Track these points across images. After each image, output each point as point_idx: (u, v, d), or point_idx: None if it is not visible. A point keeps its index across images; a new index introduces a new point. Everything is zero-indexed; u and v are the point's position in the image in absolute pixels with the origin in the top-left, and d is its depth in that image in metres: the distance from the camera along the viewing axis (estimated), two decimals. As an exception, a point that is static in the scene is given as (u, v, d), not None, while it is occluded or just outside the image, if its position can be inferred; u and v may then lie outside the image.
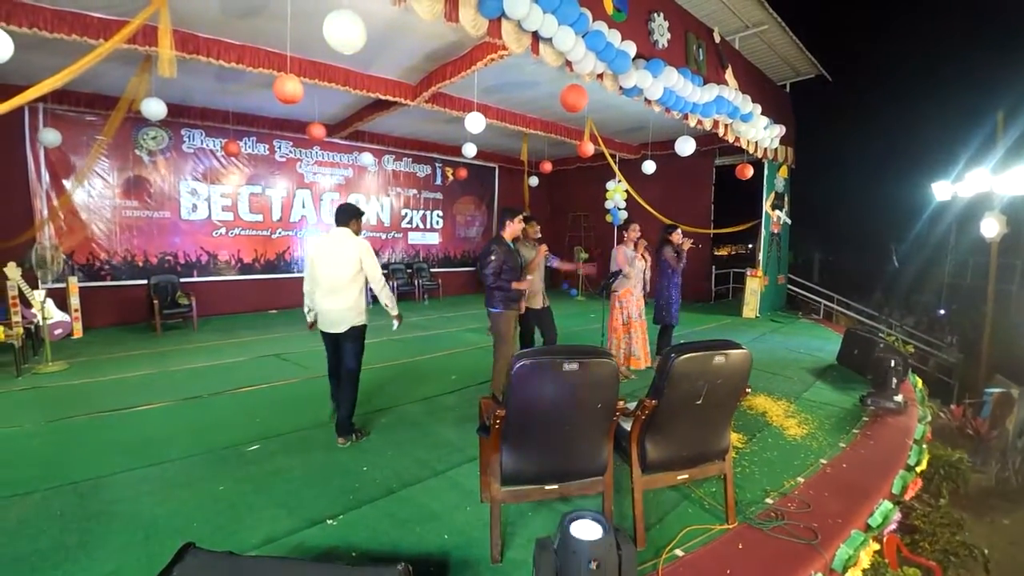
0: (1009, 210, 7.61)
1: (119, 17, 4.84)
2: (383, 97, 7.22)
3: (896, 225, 19.94)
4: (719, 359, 2.29)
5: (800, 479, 3.32)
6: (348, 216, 3.82)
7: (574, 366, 2.02)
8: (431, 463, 3.34)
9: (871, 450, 3.87)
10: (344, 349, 3.78)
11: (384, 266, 11.47)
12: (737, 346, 2.38)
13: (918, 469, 3.84)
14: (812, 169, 12.25)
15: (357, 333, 3.80)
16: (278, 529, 2.59)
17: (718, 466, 2.72)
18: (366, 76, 6.95)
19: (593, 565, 1.66)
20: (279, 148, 10.01)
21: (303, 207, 10.39)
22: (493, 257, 4.20)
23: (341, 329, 3.73)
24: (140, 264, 8.56)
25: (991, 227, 7.54)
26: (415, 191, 12.25)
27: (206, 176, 9.21)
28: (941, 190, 8.75)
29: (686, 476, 2.63)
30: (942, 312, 14.50)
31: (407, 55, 6.45)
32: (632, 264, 5.29)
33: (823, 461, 3.60)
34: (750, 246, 19.08)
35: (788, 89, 11.11)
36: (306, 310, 4.02)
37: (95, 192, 8.08)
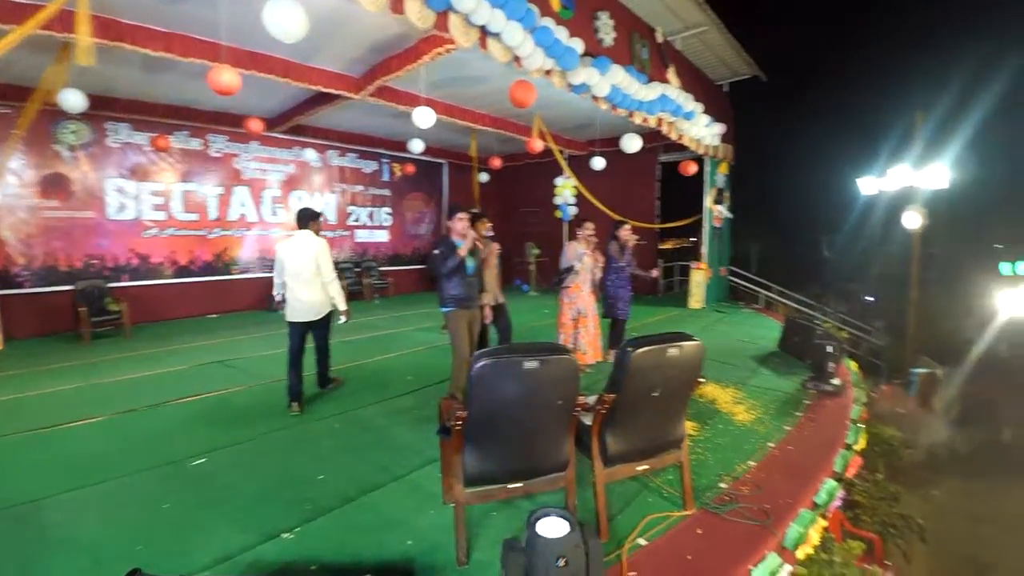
0: (929, 203, 8.24)
1: (34, 1, 4.43)
2: (325, 90, 6.98)
3: (828, 218, 21.25)
4: (673, 351, 2.34)
5: (751, 463, 3.46)
6: (307, 219, 4.47)
7: (535, 364, 2.01)
8: (390, 467, 3.25)
9: (813, 431, 4.08)
10: (317, 334, 4.62)
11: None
12: (690, 338, 2.44)
13: (857, 447, 4.08)
14: (750, 165, 12.81)
15: (327, 320, 4.61)
16: (230, 546, 2.45)
17: (675, 455, 2.78)
18: (307, 68, 6.69)
19: (561, 563, 1.65)
20: (214, 143, 9.50)
21: (242, 205, 9.91)
22: (437, 252, 4.21)
23: (316, 317, 4.47)
24: (63, 269, 7.91)
25: (913, 219, 8.13)
26: (361, 187, 11.94)
27: (134, 173, 8.62)
28: (866, 185, 9.34)
29: (646, 467, 2.68)
30: (871, 299, 15.54)
31: (350, 47, 6.25)
32: (580, 260, 5.35)
33: (771, 444, 3.77)
34: (693, 239, 19.80)
35: (726, 88, 11.56)
36: (275, 292, 4.56)
37: (9, 191, 7.38)
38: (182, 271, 9.21)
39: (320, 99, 8.02)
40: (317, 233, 4.45)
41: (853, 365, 6.37)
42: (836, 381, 5.02)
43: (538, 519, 1.72)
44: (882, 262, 16.60)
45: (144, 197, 8.74)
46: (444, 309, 4.30)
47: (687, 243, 21.12)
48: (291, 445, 3.64)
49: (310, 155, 9.84)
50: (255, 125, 7.27)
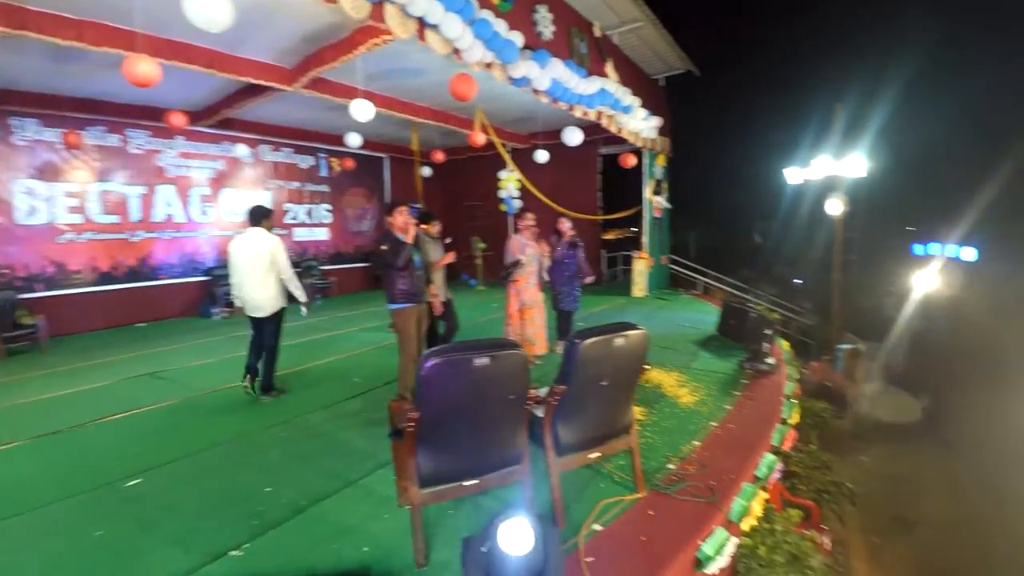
0: (849, 191, 8.84)
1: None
2: (255, 82, 6.65)
3: (760, 206, 22.41)
4: (619, 341, 2.40)
5: (696, 442, 3.61)
6: (259, 217, 4.59)
7: (485, 360, 2.00)
8: (342, 473, 3.16)
9: (752, 409, 4.31)
10: (265, 330, 4.61)
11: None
12: (634, 327, 2.51)
13: (791, 422, 4.34)
14: (686, 157, 13.30)
15: (276, 317, 4.64)
16: (174, 570, 2.30)
17: (625, 440, 2.86)
18: (235, 58, 6.34)
19: (522, 559, 1.66)
20: (133, 139, 8.85)
21: (168, 205, 9.30)
22: (384, 247, 4.09)
23: (263, 314, 4.55)
24: (-36, 281, 7.17)
25: (835, 206, 8.70)
26: (298, 184, 11.47)
27: (45, 173, 7.91)
28: (792, 175, 9.90)
29: (598, 454, 2.74)
30: (799, 281, 16.55)
31: (281, 36, 5.98)
32: (525, 252, 5.38)
33: (713, 424, 3.94)
34: (634, 229, 20.33)
35: (662, 83, 11.91)
36: (234, 298, 4.68)
37: None
38: (104, 278, 8.56)
39: (250, 91, 7.63)
40: (270, 230, 4.61)
41: (785, 344, 6.77)
42: (771, 360, 5.32)
43: (497, 520, 1.72)
44: (808, 247, 17.74)
45: (57, 199, 8.04)
46: (393, 306, 4.20)
47: (629, 233, 21.65)
48: (235, 458, 3.47)
49: (241, 150, 9.33)
50: (177, 119, 6.82)
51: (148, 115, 8.51)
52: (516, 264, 5.14)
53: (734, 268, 16.54)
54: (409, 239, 4.12)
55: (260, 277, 4.45)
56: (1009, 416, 8.26)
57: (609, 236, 18.03)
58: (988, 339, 7.73)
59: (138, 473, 3.29)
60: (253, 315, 4.58)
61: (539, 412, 2.59)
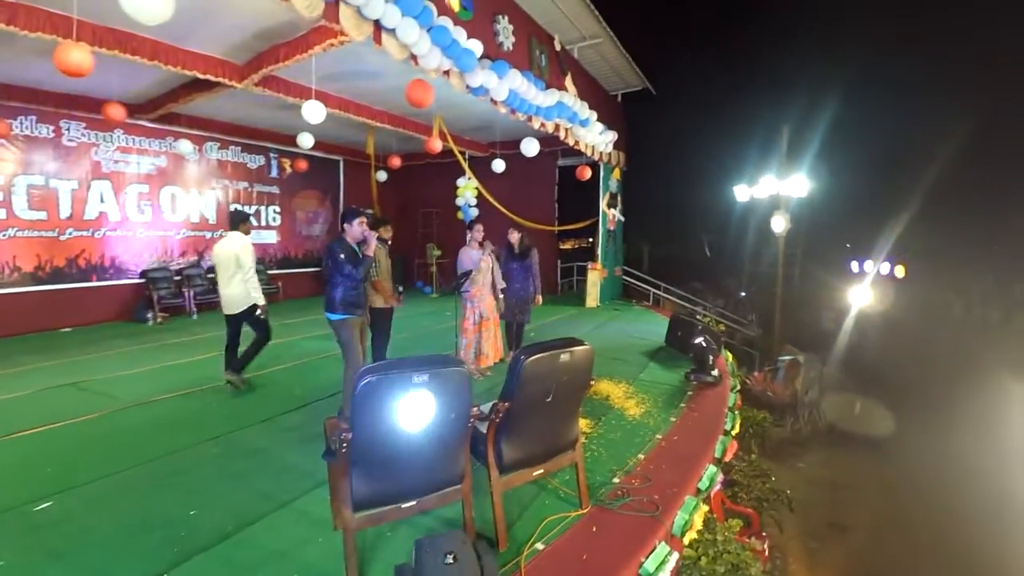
0: (792, 209, 9.25)
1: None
2: (202, 76, 6.35)
3: (709, 221, 23.23)
4: (564, 357, 2.38)
5: (641, 455, 3.64)
6: (236, 221, 5.04)
7: (424, 378, 1.94)
8: (274, 494, 2.99)
9: (696, 421, 4.40)
10: (233, 327, 4.99)
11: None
12: (580, 343, 2.50)
13: (733, 433, 4.46)
14: (641, 171, 13.65)
15: (244, 315, 4.89)
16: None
17: (570, 456, 2.84)
18: (181, 51, 6.04)
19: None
20: (68, 130, 8.29)
21: (101, 201, 8.74)
22: (343, 255, 3.93)
23: (231, 311, 4.89)
24: None
25: (779, 223, 9.08)
26: (246, 184, 11.01)
27: (-38, 163, 7.30)
28: (740, 192, 10.29)
29: (541, 471, 2.71)
30: (743, 294, 17.20)
31: (232, 31, 5.75)
32: (477, 265, 5.34)
33: (659, 436, 4.00)
34: (590, 240, 20.66)
35: (620, 99, 12.17)
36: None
37: None
38: (27, 279, 7.94)
39: (197, 85, 7.29)
40: (247, 234, 4.98)
41: (729, 356, 6.98)
42: (715, 372, 5.47)
43: (427, 545, 1.66)
44: (754, 261, 18.48)
45: (-24, 192, 7.43)
46: (334, 317, 4.04)
47: (585, 244, 21.99)
48: (159, 479, 3.23)
49: (185, 147, 8.87)
50: (115, 111, 6.42)
51: (85, 106, 8.02)
52: (467, 275, 5.08)
53: (686, 280, 17.05)
54: (369, 251, 4.00)
55: (228, 276, 4.80)
56: (934, 421, 8.80)
57: (566, 246, 18.27)
58: (915, 350, 8.23)
59: (49, 495, 3.01)
60: (225, 312, 4.95)
61: (483, 428, 2.54)
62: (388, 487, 2.13)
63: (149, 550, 2.48)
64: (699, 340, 5.92)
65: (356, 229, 4.05)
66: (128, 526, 2.69)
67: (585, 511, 2.87)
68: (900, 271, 8.35)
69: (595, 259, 11.27)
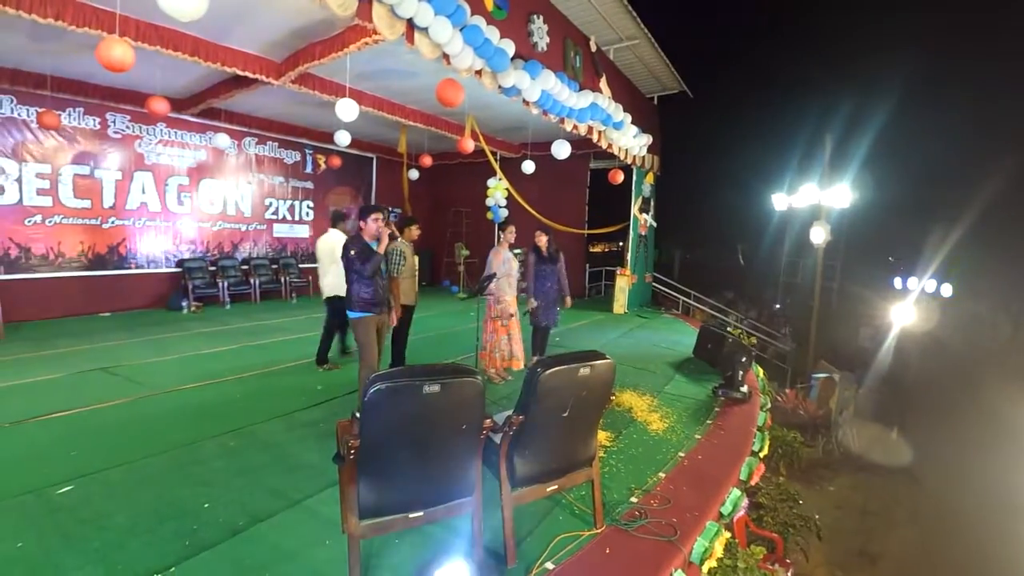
0: (833, 220, 8.88)
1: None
2: (242, 73, 6.47)
3: (744, 229, 22.60)
4: (584, 371, 2.28)
5: (662, 474, 3.50)
6: (335, 219, 5.78)
7: (435, 388, 1.87)
8: (286, 492, 2.98)
9: (722, 440, 4.22)
10: (335, 307, 5.41)
11: (244, 261, 10.40)
12: (602, 356, 2.39)
13: (762, 455, 4.26)
14: (675, 176, 13.34)
15: (337, 299, 5.27)
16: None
17: (586, 473, 2.74)
18: (221, 47, 6.16)
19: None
20: (113, 122, 8.58)
21: (143, 192, 9.02)
22: (354, 251, 3.92)
23: (329, 296, 5.47)
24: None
25: (818, 235, 8.73)
26: (282, 179, 11.21)
27: (16, 152, 7.60)
28: (779, 201, 9.94)
29: (555, 487, 2.61)
30: (778, 306, 16.66)
31: (270, 29, 5.83)
32: (507, 265, 5.27)
33: (681, 454, 3.84)
34: (620, 244, 20.39)
35: (655, 102, 11.93)
36: None
37: None
38: (70, 264, 8.25)
39: (236, 82, 7.45)
40: (344, 232, 5.46)
41: (760, 371, 6.72)
42: (744, 389, 5.25)
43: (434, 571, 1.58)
44: (788, 272, 17.89)
45: (28, 179, 7.73)
46: (352, 315, 4.03)
47: (615, 248, 21.74)
48: (176, 468, 3.27)
49: (223, 141, 9.07)
50: (159, 105, 6.59)
51: (130, 99, 8.26)
52: (491, 277, 5.01)
53: (718, 289, 16.63)
54: (381, 248, 3.98)
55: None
56: (973, 449, 8.31)
57: (596, 249, 18.06)
58: (959, 375, 7.77)
59: (72, 479, 3.08)
60: (324, 296, 5.53)
61: (497, 438, 2.46)
62: (396, 496, 2.07)
63: (160, 542, 2.49)
64: (729, 353, 5.72)
65: (372, 226, 4.00)
66: (143, 515, 2.72)
67: (599, 531, 2.76)
68: (948, 290, 7.88)
69: (624, 264, 11.06)
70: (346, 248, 3.98)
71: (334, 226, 5.66)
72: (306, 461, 3.41)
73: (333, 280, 5.33)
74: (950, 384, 7.82)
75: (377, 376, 1.84)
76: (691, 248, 22.99)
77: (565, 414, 2.33)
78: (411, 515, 2.14)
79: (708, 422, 4.58)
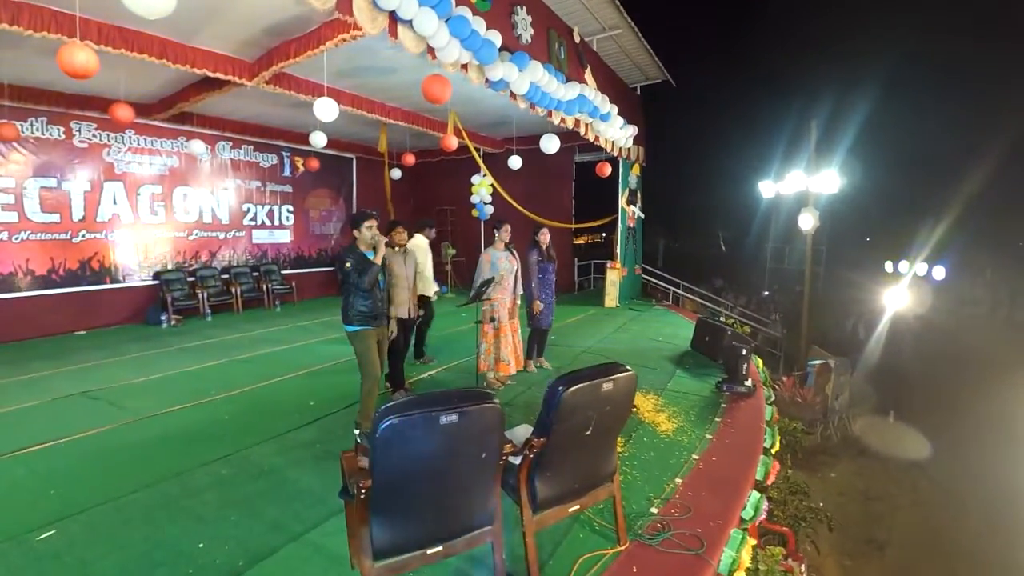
0: (821, 205, 8.86)
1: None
2: (212, 75, 6.16)
3: (729, 217, 22.69)
4: (607, 386, 2.13)
5: (678, 480, 3.38)
6: (420, 227, 6.05)
7: (453, 418, 1.70)
8: (287, 524, 2.78)
9: (733, 438, 4.11)
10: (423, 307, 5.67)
11: (224, 270, 10.05)
12: (623, 369, 2.24)
13: (773, 451, 4.17)
14: (659, 166, 13.25)
15: (423, 299, 5.60)
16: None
17: (607, 489, 2.59)
18: (190, 48, 5.85)
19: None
20: (79, 131, 8.18)
21: (114, 203, 8.62)
22: (350, 263, 3.75)
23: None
24: None
25: (807, 221, 8.69)
26: (259, 183, 10.84)
27: (-27, 167, 7.20)
28: (766, 188, 9.90)
29: (577, 507, 2.46)
30: (766, 293, 16.73)
31: (241, 27, 5.53)
32: (498, 268, 5.09)
33: (695, 457, 3.72)
34: (603, 235, 20.29)
35: (638, 92, 11.81)
36: None
37: None
38: (39, 282, 7.86)
39: (207, 84, 7.11)
40: (428, 238, 5.95)
41: (759, 362, 6.66)
42: (748, 382, 5.17)
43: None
44: (775, 258, 17.96)
45: (-11, 195, 7.34)
46: (350, 328, 3.86)
47: (598, 239, 21.67)
48: (166, 503, 3.04)
49: (197, 147, 8.72)
50: (123, 111, 6.25)
51: (96, 106, 7.85)
52: (489, 282, 4.82)
53: (704, 276, 16.63)
54: (378, 258, 3.78)
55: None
56: (970, 430, 8.39)
57: (578, 241, 17.93)
58: (953, 356, 7.80)
59: (53, 522, 2.84)
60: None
61: (516, 460, 2.30)
62: (412, 533, 1.90)
63: (151, 590, 2.29)
64: (729, 346, 5.62)
65: (367, 234, 3.84)
66: (132, 560, 2.50)
67: (623, 548, 2.62)
68: (939, 272, 7.90)
69: (614, 258, 10.95)
70: (340, 260, 3.79)
71: (419, 231, 5.92)
72: (305, 487, 3.20)
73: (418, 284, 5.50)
74: (945, 367, 7.85)
75: (388, 409, 1.66)
76: (675, 237, 23.00)
77: (588, 432, 2.17)
78: (429, 551, 1.97)
79: (716, 420, 4.47)
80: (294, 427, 4.14)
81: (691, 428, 4.26)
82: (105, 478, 3.34)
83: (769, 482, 3.76)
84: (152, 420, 4.36)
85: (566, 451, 2.19)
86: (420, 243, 5.91)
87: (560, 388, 2.01)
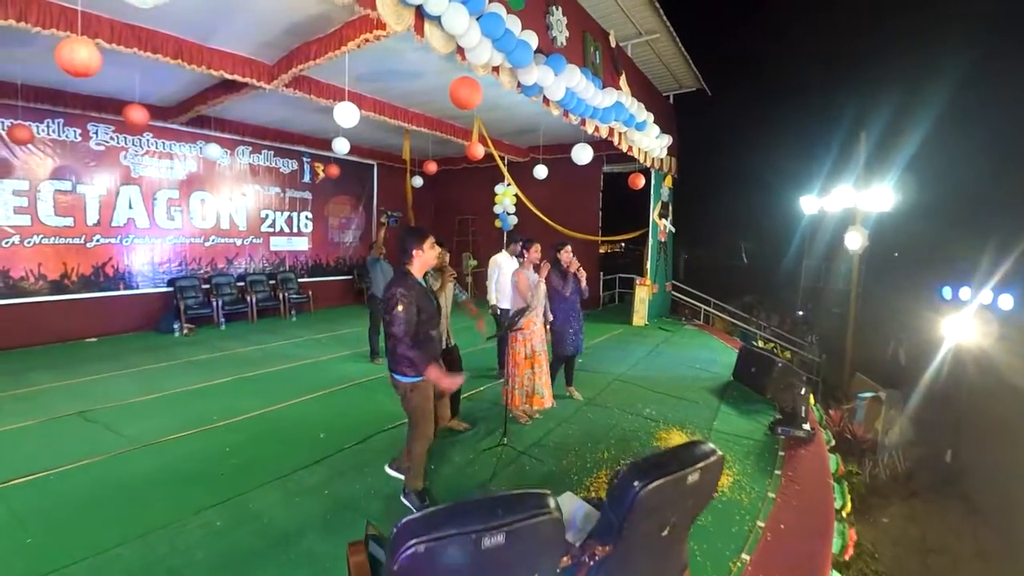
0: (868, 224, 8.23)
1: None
2: (230, 77, 5.85)
3: (762, 230, 21.80)
4: (694, 477, 1.63)
5: (745, 555, 2.85)
6: (508, 242, 5.79)
7: (499, 539, 1.23)
8: (283, 605, 2.34)
9: (800, 498, 3.56)
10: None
11: (240, 278, 9.76)
12: (710, 450, 1.75)
13: (844, 512, 3.62)
14: (690, 178, 12.64)
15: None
16: None
17: (674, 585, 2.09)
18: (206, 49, 5.57)
19: None
20: (95, 133, 7.97)
21: (130, 207, 8.38)
22: (401, 308, 2.81)
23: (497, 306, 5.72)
24: None
25: (854, 240, 8.07)
26: (278, 189, 10.57)
27: (-12, 168, 7.00)
28: (808, 204, 9.28)
29: (641, 614, 1.96)
30: (800, 313, 15.94)
31: (260, 27, 5.22)
32: (535, 291, 4.61)
33: (760, 524, 3.18)
34: (623, 245, 19.64)
35: (671, 100, 11.30)
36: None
37: None
38: (53, 287, 7.62)
39: (225, 87, 6.83)
40: (513, 254, 5.66)
41: (811, 398, 6.07)
42: (807, 426, 4.60)
43: None
44: (811, 276, 17.14)
45: (3, 198, 7.12)
46: (404, 379, 2.98)
47: (619, 249, 21.09)
48: (151, 562, 2.61)
49: (214, 151, 8.45)
50: (137, 114, 5.96)
51: (114, 108, 7.62)
52: (524, 311, 4.34)
53: (731, 291, 15.86)
54: (446, 290, 3.12)
55: (489, 282, 5.87)
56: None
57: (600, 250, 17.36)
58: (1020, 394, 7.11)
59: (26, 579, 2.44)
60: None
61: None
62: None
63: None
64: (780, 380, 5.06)
65: (430, 255, 3.02)
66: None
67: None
68: (1006, 302, 7.22)
69: (644, 273, 10.40)
70: (391, 294, 2.86)
71: (506, 248, 5.92)
72: (306, 549, 2.75)
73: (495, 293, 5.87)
74: (1010, 405, 7.15)
75: (410, 526, 1.20)
76: (694, 248, 22.12)
77: (665, 533, 1.69)
78: None
79: (776, 472, 3.92)
80: (300, 466, 3.69)
81: (749, 483, 3.72)
82: (89, 526, 2.94)
83: (847, 556, 3.21)
84: (149, 450, 3.96)
85: (636, 557, 1.70)
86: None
87: (635, 485, 1.52)
